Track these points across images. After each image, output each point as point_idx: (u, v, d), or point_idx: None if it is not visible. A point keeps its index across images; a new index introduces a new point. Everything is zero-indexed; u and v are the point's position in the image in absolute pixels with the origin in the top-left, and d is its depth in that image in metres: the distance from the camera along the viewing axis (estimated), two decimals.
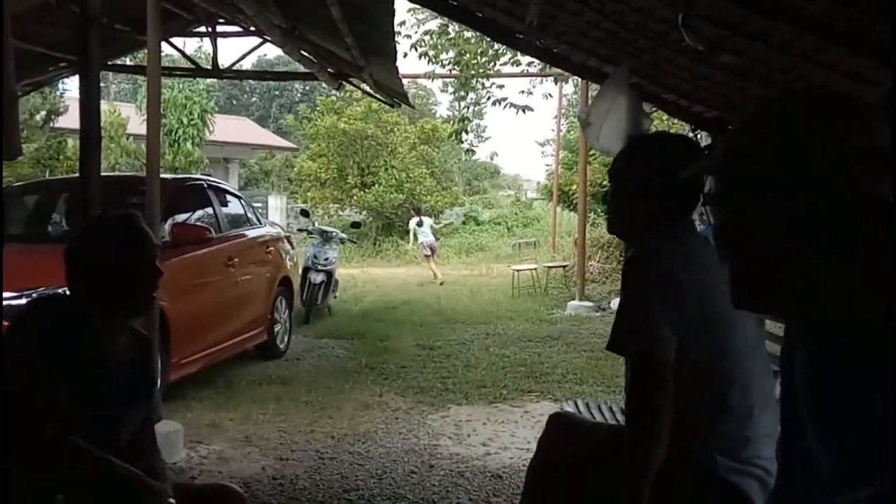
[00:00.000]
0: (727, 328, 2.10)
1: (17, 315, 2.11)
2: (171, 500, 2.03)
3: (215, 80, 17.01)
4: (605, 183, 19.03)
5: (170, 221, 6.11)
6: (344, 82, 8.74)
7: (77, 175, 4.25)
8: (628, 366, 2.11)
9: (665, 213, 2.19)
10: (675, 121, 11.18)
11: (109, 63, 8.65)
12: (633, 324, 2.09)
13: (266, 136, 30.00)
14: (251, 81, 35.61)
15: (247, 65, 24.14)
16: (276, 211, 22.98)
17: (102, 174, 5.56)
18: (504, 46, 8.87)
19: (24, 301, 4.77)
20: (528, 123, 74.60)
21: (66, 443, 1.92)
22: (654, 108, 4.74)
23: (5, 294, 4.74)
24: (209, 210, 7.08)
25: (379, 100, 10.00)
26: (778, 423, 2.18)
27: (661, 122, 10.96)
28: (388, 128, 22.65)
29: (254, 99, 46.30)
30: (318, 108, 23.77)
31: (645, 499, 1.99)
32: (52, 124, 15.19)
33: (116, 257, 2.12)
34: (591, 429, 2.61)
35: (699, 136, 4.97)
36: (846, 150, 1.03)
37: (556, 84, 13.82)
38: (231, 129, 24.22)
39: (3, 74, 2.79)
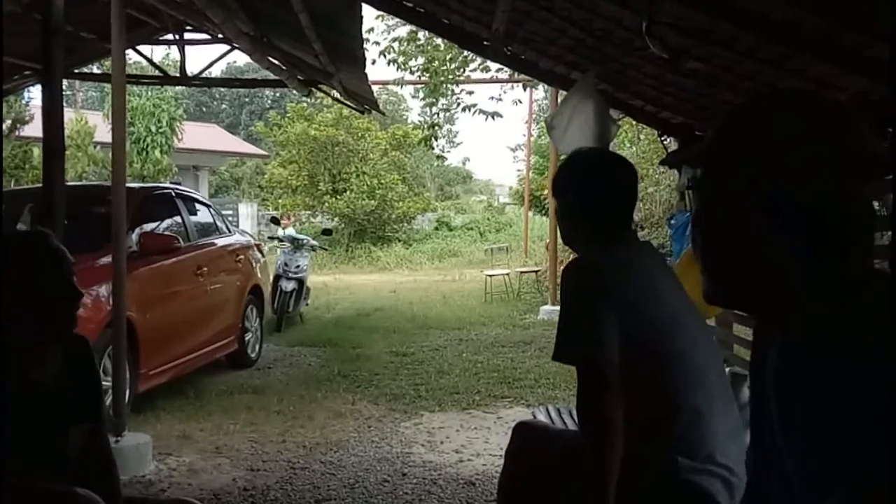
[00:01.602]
0: (673, 331, 2.14)
1: None
2: None
3: (184, 87, 16.85)
4: None
5: (137, 231, 6.05)
6: (314, 89, 8.71)
7: (40, 185, 4.19)
8: (577, 374, 2.13)
9: (603, 225, 2.27)
10: (643, 127, 11.31)
11: (75, 71, 8.54)
12: (575, 332, 2.12)
13: (236, 144, 29.80)
14: (221, 88, 35.41)
15: (216, 72, 24.01)
16: (247, 218, 22.82)
17: (68, 183, 5.50)
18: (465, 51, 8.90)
19: None
20: (499, 129, 74.84)
21: None
22: (621, 115, 4.77)
23: None
24: (177, 219, 7.01)
25: (349, 106, 9.97)
26: (740, 423, 2.22)
27: (630, 127, 11.06)
28: (360, 134, 22.63)
29: (223, 106, 46.01)
30: (288, 115, 23.69)
31: (610, 502, 2.00)
32: (17, 133, 14.96)
33: (29, 279, 2.06)
34: (555, 437, 2.62)
35: (667, 141, 5.02)
36: (828, 150, 1.03)
37: (525, 90, 13.87)
38: (200, 136, 24.02)
39: None
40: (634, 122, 7.05)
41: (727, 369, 3.23)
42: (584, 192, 2.29)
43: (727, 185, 1.09)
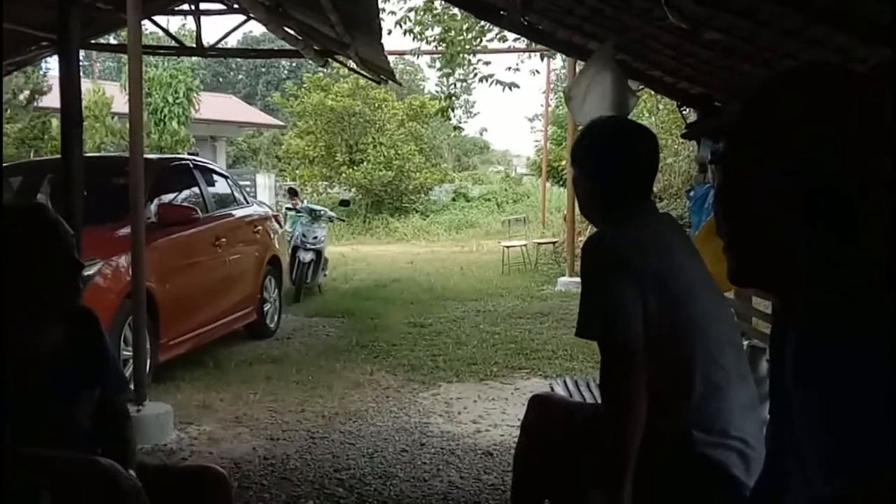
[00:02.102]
0: (690, 303, 2.14)
1: None
2: (130, 474, 2.00)
3: (200, 58, 16.83)
4: None
5: (155, 202, 6.08)
6: (329, 59, 8.68)
7: (59, 156, 4.21)
8: (600, 350, 2.13)
9: (622, 195, 2.25)
10: (663, 96, 11.17)
11: (91, 42, 8.54)
12: (597, 309, 2.11)
13: (253, 114, 29.78)
14: (237, 59, 35.31)
15: (232, 42, 23.93)
16: (265, 189, 22.87)
17: (87, 155, 5.54)
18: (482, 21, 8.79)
19: None
20: (516, 98, 74.22)
21: None
22: (640, 86, 4.72)
23: None
24: (195, 190, 7.05)
25: (365, 76, 9.93)
26: (756, 396, 2.22)
27: (649, 96, 10.94)
28: (376, 104, 22.54)
29: (240, 76, 45.94)
30: (304, 85, 23.62)
31: (628, 478, 2.01)
32: (35, 104, 15.02)
33: (25, 253, 2.05)
34: (572, 409, 2.63)
35: (685, 112, 4.97)
36: (852, 126, 1.01)
37: (542, 60, 13.74)
38: (218, 106, 24.03)
39: None
40: (653, 92, 6.99)
41: (745, 342, 3.23)
42: (602, 161, 2.27)
43: (749, 161, 1.08)
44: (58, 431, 2.06)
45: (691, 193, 4.49)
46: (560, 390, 3.80)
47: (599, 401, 3.05)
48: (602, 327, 2.10)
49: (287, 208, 12.09)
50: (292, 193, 12.87)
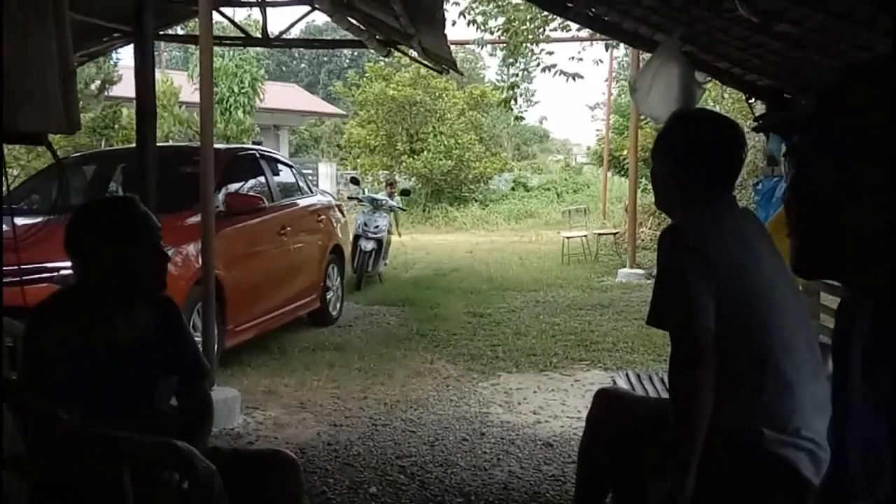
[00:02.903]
0: (767, 299, 2.11)
1: (31, 316, 2.17)
2: (199, 458, 2.05)
3: (265, 48, 17.05)
4: None
5: (223, 191, 6.22)
6: (392, 49, 8.72)
7: (132, 146, 4.33)
8: (671, 340, 2.13)
9: (702, 188, 2.23)
10: (728, 89, 10.95)
11: (162, 33, 8.74)
12: (672, 298, 2.11)
13: (315, 103, 30.12)
14: (300, 48, 35.68)
15: (295, 32, 24.18)
16: (327, 178, 23.13)
17: (157, 144, 5.68)
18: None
19: None
20: (577, 87, 73.35)
21: (74, 432, 1.98)
22: (707, 78, 4.65)
23: (65, 263, 4.93)
24: (261, 179, 7.19)
25: (427, 66, 9.96)
26: (828, 395, 2.19)
27: (714, 85, 10.75)
28: (437, 94, 22.59)
29: (302, 65, 46.46)
30: (366, 75, 23.78)
31: (692, 473, 2.01)
32: (106, 93, 15.44)
33: (118, 244, 2.14)
34: (636, 403, 2.63)
35: (753, 104, 4.88)
36: None
37: (606, 50, 13.59)
38: (281, 96, 24.37)
39: (65, 51, 2.86)
40: (719, 85, 6.86)
41: None
42: (686, 152, 2.26)
43: (825, 152, 1.08)
44: (136, 415, 2.15)
45: (759, 186, 4.42)
46: (622, 383, 3.79)
47: (664, 395, 3.05)
48: (673, 318, 2.10)
49: (349, 197, 12.22)
50: (354, 182, 12.99)
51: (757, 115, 4.37)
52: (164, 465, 1.98)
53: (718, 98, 13.78)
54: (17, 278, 3.92)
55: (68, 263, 5.11)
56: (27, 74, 2.92)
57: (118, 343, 2.18)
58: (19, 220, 4.00)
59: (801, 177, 1.13)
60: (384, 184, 13.82)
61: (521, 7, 9.88)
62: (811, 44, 3.32)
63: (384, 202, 11.29)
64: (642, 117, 11.84)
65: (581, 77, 11.06)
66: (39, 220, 4.12)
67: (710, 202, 2.22)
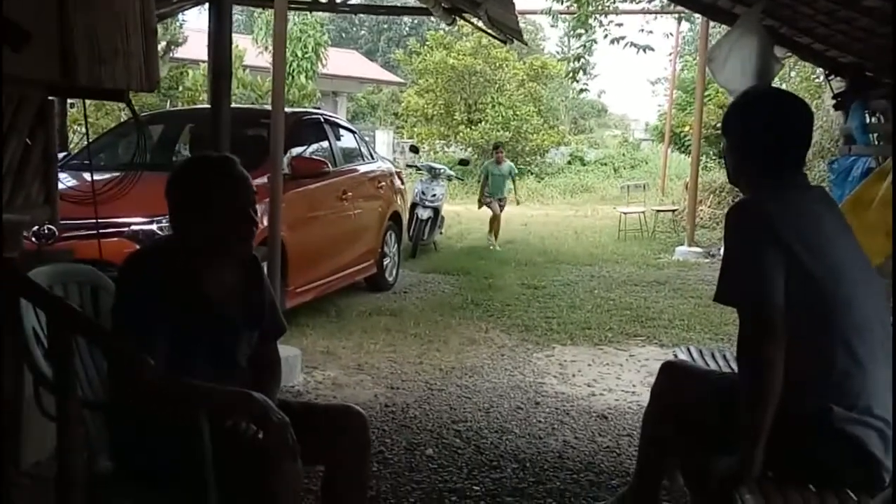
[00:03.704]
0: (839, 278, 2.10)
1: (125, 265, 2.23)
2: (274, 410, 2.11)
3: (327, 13, 17.10)
4: (718, 125, 18.48)
5: (289, 154, 6.28)
6: (457, 17, 8.67)
7: (199, 107, 4.40)
8: (740, 317, 2.12)
9: (772, 167, 2.23)
10: (795, 61, 10.64)
11: None
12: (742, 275, 2.11)
13: (374, 70, 30.12)
14: (361, 14, 35.66)
15: None
16: (384, 146, 23.21)
17: None
18: None
19: (154, 226, 5.08)
20: (638, 61, 72.04)
21: (159, 379, 2.05)
22: (787, 53, 4.54)
23: (137, 219, 5.06)
24: (325, 144, 7.25)
25: (491, 35, 9.89)
26: None
27: (795, 63, 10.49)
28: (497, 64, 22.44)
29: (362, 32, 46.43)
30: (427, 43, 23.69)
31: (761, 448, 2.01)
32: (171, 55, 15.65)
33: (217, 202, 2.18)
34: (702, 377, 2.63)
35: (833, 80, 4.75)
36: None
37: (679, 23, 13.34)
38: (341, 62, 24.43)
39: (148, 11, 2.93)
40: (798, 59, 6.69)
41: None
42: (754, 131, 2.25)
43: None
44: (218, 368, 2.22)
45: (834, 166, 4.32)
46: (683, 357, 3.76)
47: (727, 370, 3.03)
48: (743, 295, 2.10)
49: (407, 165, 12.25)
50: (414, 150, 13.01)
51: (837, 93, 4.27)
52: (241, 416, 2.04)
53: (785, 76, 13.45)
54: (94, 231, 4.06)
55: (142, 219, 5.27)
56: (112, 32, 3.00)
57: (206, 298, 2.24)
58: (96, 176, 4.12)
59: None
60: (492, 149, 13.26)
61: None
62: None
63: (442, 171, 11.30)
64: (707, 94, 11.62)
65: (652, 49, 10.89)
66: (115, 175, 4.24)
67: (780, 179, 2.22)
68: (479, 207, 12.25)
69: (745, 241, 2.11)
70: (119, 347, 2.06)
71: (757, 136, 2.24)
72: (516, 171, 11.67)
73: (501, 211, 11.85)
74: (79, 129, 9.34)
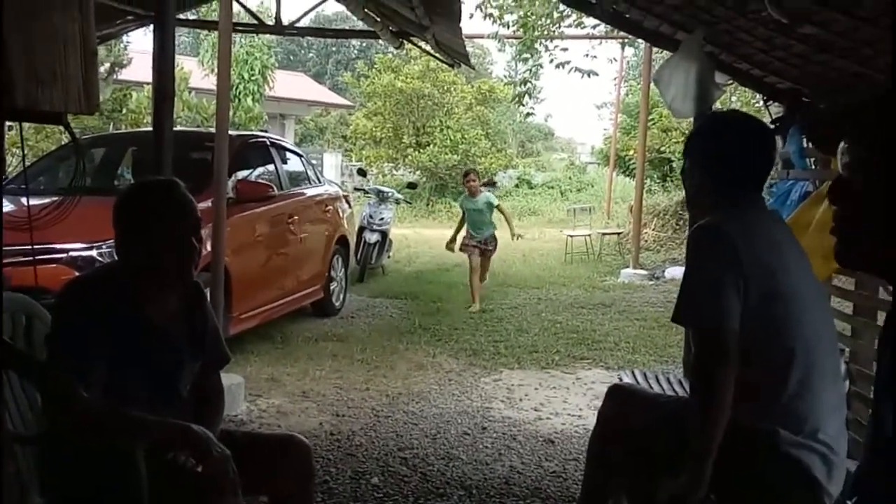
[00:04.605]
0: (793, 301, 2.12)
1: (63, 292, 2.16)
2: (214, 443, 2.05)
3: (275, 35, 17.01)
4: (662, 149, 18.84)
5: (234, 178, 6.20)
6: (405, 41, 8.70)
7: (142, 129, 4.32)
8: (694, 339, 2.14)
9: (735, 189, 2.25)
10: (736, 88, 10.91)
11: (179, 18, 8.72)
12: (700, 298, 2.12)
13: (322, 93, 30.06)
14: (309, 37, 35.62)
15: (306, 21, 24.15)
16: (332, 168, 23.10)
17: None
18: (569, 8, 8.71)
19: (94, 252, 4.94)
20: (584, 86, 73.16)
21: (94, 410, 1.98)
22: (728, 80, 4.65)
23: (76, 245, 4.92)
24: (270, 167, 7.18)
25: (439, 59, 9.94)
26: (843, 398, 2.19)
27: (736, 89, 10.75)
28: (445, 87, 22.52)
29: (311, 55, 46.35)
30: (375, 66, 23.72)
31: (708, 471, 2.02)
32: (115, 76, 15.39)
33: (160, 226, 2.13)
34: (650, 400, 2.63)
35: (771, 106, 4.87)
36: None
37: (622, 49, 13.59)
38: (289, 85, 24.32)
39: (88, 31, 2.84)
40: (738, 86, 6.85)
41: None
42: (717, 153, 2.28)
43: (867, 154, 1.10)
44: (158, 398, 2.15)
45: (773, 189, 4.41)
46: (629, 381, 3.79)
47: (673, 393, 3.05)
48: (700, 319, 2.11)
49: (355, 188, 12.17)
50: (361, 174, 12.95)
51: (774, 118, 4.37)
52: (180, 449, 1.98)
53: (727, 101, 13.76)
54: (30, 258, 3.92)
55: (80, 245, 5.11)
56: (50, 53, 2.90)
57: (148, 324, 2.18)
58: (33, 201, 3.99)
59: (852, 178, 1.17)
60: (462, 176, 10.23)
61: (538, 2, 9.87)
62: (836, 47, 3.31)
63: (390, 194, 11.27)
64: (651, 118, 11.82)
65: (597, 74, 11.07)
66: (53, 199, 4.11)
67: (739, 203, 2.24)
68: (460, 251, 9.29)
69: (705, 265, 2.13)
70: (52, 378, 1.98)
71: (724, 158, 2.26)
72: (496, 200, 9.46)
73: (489, 257, 9.33)
74: (16, 151, 9.10)
